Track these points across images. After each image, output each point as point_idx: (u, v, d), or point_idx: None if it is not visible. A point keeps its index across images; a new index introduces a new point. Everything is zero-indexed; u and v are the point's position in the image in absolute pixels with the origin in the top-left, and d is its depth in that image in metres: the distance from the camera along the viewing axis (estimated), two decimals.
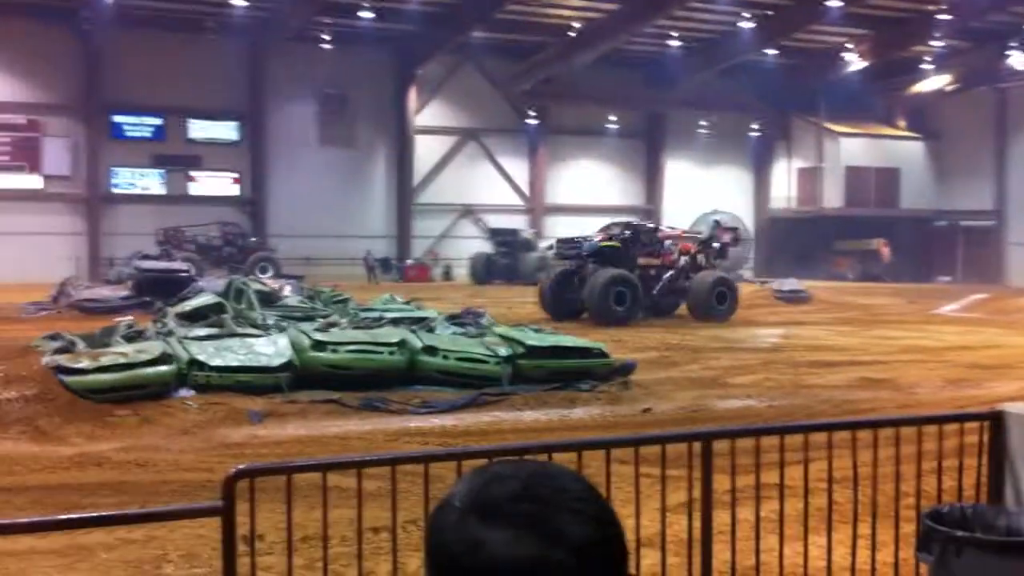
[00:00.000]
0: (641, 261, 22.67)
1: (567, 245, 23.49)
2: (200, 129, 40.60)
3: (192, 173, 40.45)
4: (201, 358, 11.07)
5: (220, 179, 40.99)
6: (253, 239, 37.98)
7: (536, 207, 46.33)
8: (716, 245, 24.23)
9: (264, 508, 3.98)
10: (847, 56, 41.55)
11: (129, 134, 39.47)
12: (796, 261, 42.29)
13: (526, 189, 46.61)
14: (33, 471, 8.12)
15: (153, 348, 11.26)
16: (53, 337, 13.01)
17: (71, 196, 38.29)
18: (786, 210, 47.98)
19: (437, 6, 38.25)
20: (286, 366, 11.31)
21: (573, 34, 40.12)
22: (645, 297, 21.77)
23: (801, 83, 44.18)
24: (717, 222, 27.24)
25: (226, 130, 41.09)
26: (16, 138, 37.75)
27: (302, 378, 11.35)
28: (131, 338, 12.53)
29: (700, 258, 23.61)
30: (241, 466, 3.94)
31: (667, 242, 23.56)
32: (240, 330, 12.71)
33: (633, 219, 27.70)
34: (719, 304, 22.19)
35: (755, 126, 48.39)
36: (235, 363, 11.14)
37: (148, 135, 39.78)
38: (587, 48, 40.21)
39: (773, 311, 26.04)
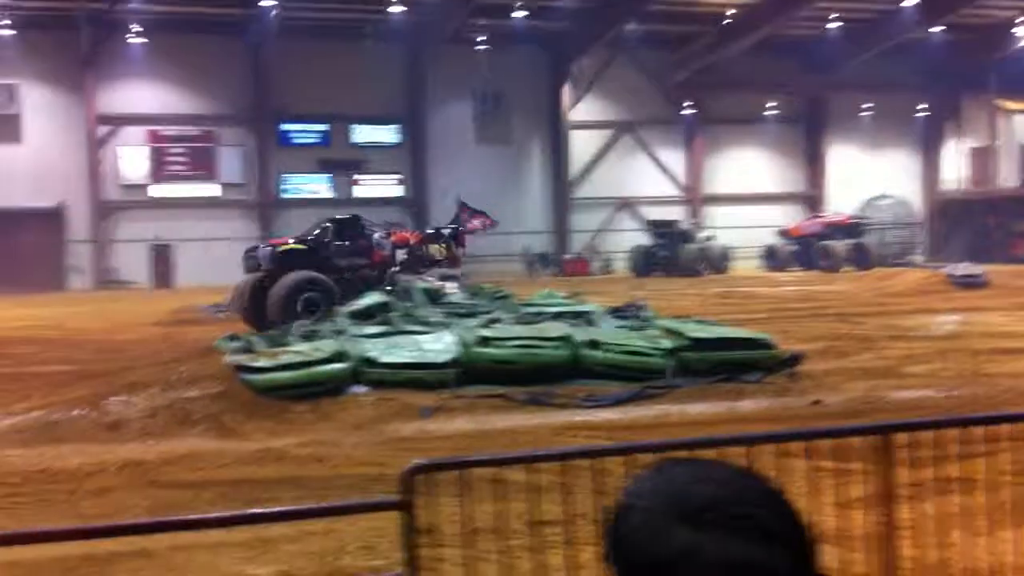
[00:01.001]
0: (342, 262, 19.94)
1: (247, 255, 20.56)
2: (363, 133, 41.87)
3: (357, 176, 41.71)
4: (372, 355, 11.42)
5: (384, 181, 42.12)
6: None
7: (694, 197, 45.79)
8: (455, 231, 21.35)
9: (438, 501, 4.08)
10: (1018, 31, 39.47)
11: (296, 141, 41.07)
12: (970, 244, 40.43)
13: (683, 180, 46.09)
14: (219, 466, 8.53)
15: (327, 347, 11.68)
16: (233, 338, 13.66)
17: (245, 202, 40.11)
18: (958, 192, 45.96)
19: (589, 1, 38.21)
20: (453, 362, 11.55)
21: (728, 21, 39.40)
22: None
23: (970, 60, 42.20)
24: (463, 203, 23.73)
25: (388, 133, 42.21)
26: (194, 149, 39.90)
27: (468, 373, 11.55)
28: (307, 337, 13.02)
29: (432, 250, 20.89)
30: (418, 461, 4.05)
31: (376, 236, 20.65)
32: (408, 328, 13.04)
33: (351, 214, 22.30)
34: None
35: (922, 107, 46.49)
36: (405, 360, 11.44)
37: (314, 141, 41.29)
38: (742, 35, 39.49)
39: (947, 297, 24.95)
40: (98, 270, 38.71)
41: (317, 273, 18.72)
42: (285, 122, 40.74)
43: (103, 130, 39.02)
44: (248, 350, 12.38)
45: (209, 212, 39.21)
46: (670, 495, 1.14)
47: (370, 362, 11.35)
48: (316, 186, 41.37)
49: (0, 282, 34.29)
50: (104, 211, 38.71)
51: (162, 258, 39.02)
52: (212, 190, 39.62)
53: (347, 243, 20.15)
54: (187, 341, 16.68)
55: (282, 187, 40.88)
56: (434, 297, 16.17)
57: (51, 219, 38.28)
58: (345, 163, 41.54)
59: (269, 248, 19.87)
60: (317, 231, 20.36)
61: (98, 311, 25.79)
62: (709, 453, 3.85)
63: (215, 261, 35.09)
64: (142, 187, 39.57)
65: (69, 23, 36.84)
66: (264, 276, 19.33)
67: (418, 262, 20.25)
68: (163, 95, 39.56)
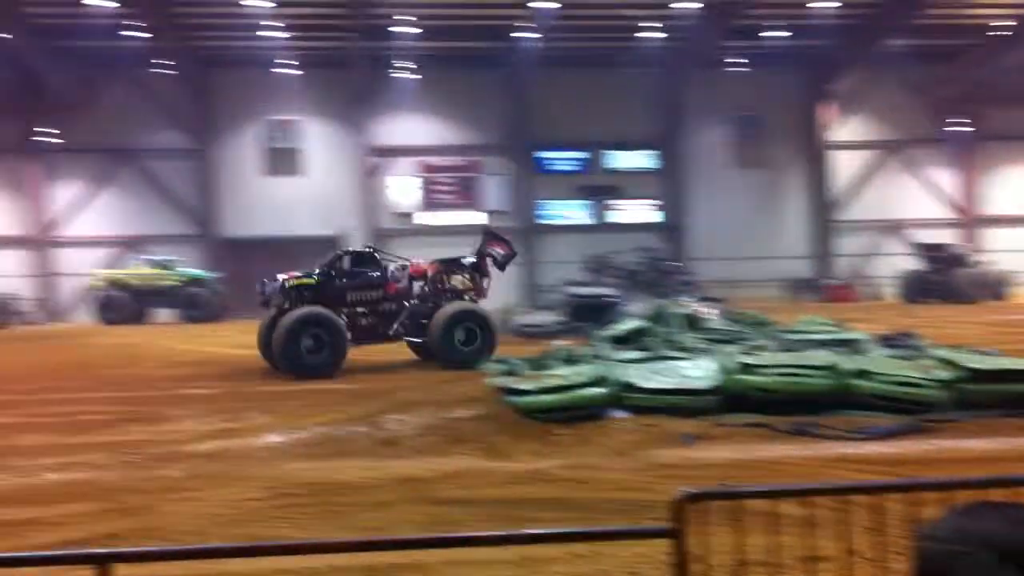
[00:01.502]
0: (354, 295, 18.66)
1: (259, 290, 19.43)
2: (619, 159, 42.26)
3: (611, 202, 42.16)
4: (634, 381, 11.48)
5: (640, 206, 42.33)
6: (673, 263, 38.68)
7: (968, 219, 43.09)
8: (486, 259, 19.91)
9: (707, 531, 4.07)
10: None
11: (554, 168, 41.99)
12: None
13: (955, 201, 43.51)
14: (487, 484, 8.82)
15: (588, 371, 11.85)
16: (500, 361, 14.10)
17: (509, 229, 41.30)
18: None
19: (849, 19, 36.94)
20: (714, 389, 11.42)
21: (1001, 32, 36.97)
22: (379, 336, 18.66)
23: None
24: (487, 230, 21.86)
25: (644, 159, 42.39)
26: (460, 178, 41.65)
27: (729, 401, 11.39)
28: (568, 361, 13.26)
29: (455, 280, 19.59)
30: (689, 489, 4.06)
31: (391, 268, 19.36)
32: (667, 353, 13.02)
33: (365, 245, 21.84)
34: (465, 345, 18.05)
35: None
36: (666, 386, 11.42)
37: (572, 168, 42.11)
38: (1019, 45, 36.88)
39: None
40: None
41: (324, 309, 17.74)
42: (543, 149, 41.80)
43: (376, 161, 41.42)
44: (511, 373, 12.75)
45: (473, 239, 40.61)
46: (993, 539, 1.12)
47: (630, 387, 11.41)
48: (573, 212, 42.13)
49: None
50: (378, 238, 41.00)
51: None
52: (477, 217, 41.18)
53: (360, 276, 18.98)
54: None
55: (540, 213, 41.89)
56: (694, 323, 16.06)
57: (330, 247, 40.85)
58: (601, 189, 42.09)
59: (279, 282, 18.77)
60: (328, 264, 19.24)
61: None
62: (999, 493, 3.65)
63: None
64: (410, 215, 41.67)
65: (345, 62, 39.35)
66: (277, 312, 18.53)
67: (440, 294, 19.24)
68: (430, 126, 41.59)
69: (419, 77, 40.07)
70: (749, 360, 11.98)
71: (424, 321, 18.63)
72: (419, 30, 36.97)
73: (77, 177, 40.38)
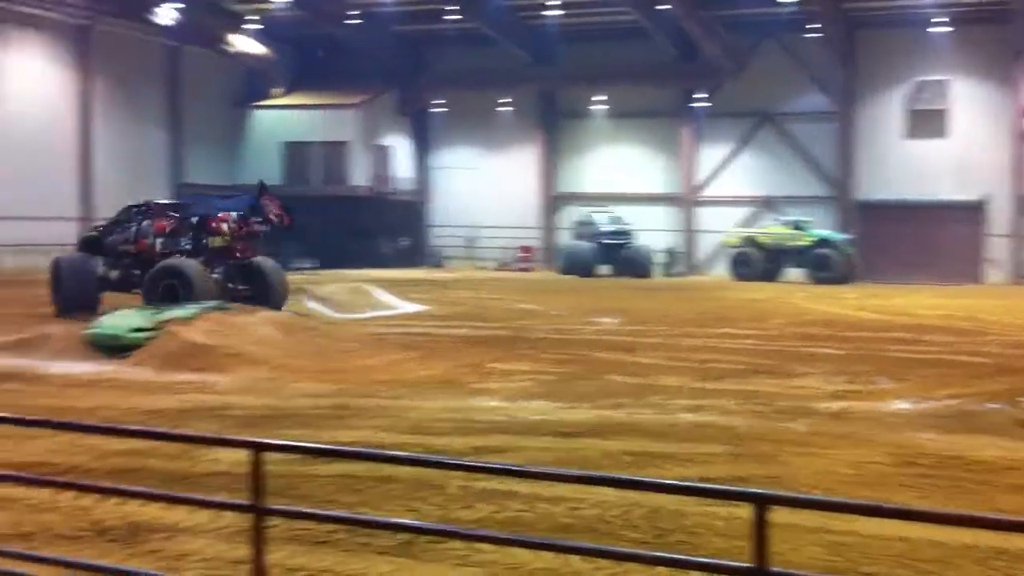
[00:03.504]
0: (119, 248, 19.48)
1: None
2: None
3: None
4: None
5: None
6: None
7: None
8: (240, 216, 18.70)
9: None
10: None
11: None
12: None
13: None
14: None
15: None
16: None
17: None
18: None
19: None
20: None
21: None
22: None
23: None
24: (263, 184, 19.69)
25: None
26: None
27: None
28: None
29: (214, 241, 18.61)
30: None
31: (145, 223, 19.29)
32: None
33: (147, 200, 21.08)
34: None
35: None
36: None
37: None
38: None
39: None
40: (1016, 264, 37.94)
41: (92, 259, 19.46)
42: None
43: None
44: None
45: None
46: None
47: None
48: None
49: (921, 272, 36.26)
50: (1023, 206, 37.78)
51: None
52: None
53: (128, 230, 19.57)
54: None
55: None
56: None
57: (972, 212, 38.60)
58: None
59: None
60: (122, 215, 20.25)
61: (1012, 306, 25.25)
62: None
63: None
64: None
65: (1001, 17, 36.52)
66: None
67: (196, 252, 18.63)
68: None
69: None
70: None
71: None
72: None
73: (722, 140, 42.46)
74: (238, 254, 18.86)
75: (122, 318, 15.02)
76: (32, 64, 34.69)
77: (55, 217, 33.37)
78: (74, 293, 18.92)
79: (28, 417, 5.75)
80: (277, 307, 18.05)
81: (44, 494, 6.73)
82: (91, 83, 36.40)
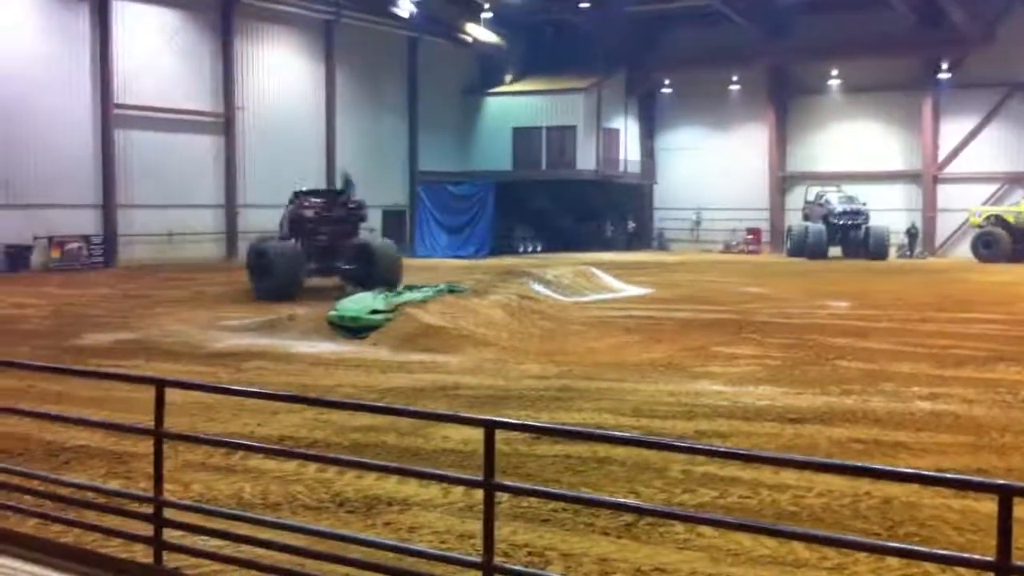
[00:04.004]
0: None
1: None
2: None
3: None
4: None
5: None
6: None
7: None
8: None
9: None
10: None
11: None
12: None
13: None
14: None
15: None
16: None
17: None
18: None
19: None
20: None
21: None
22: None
23: None
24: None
25: None
26: None
27: None
28: None
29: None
30: None
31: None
32: None
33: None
34: None
35: None
36: None
37: None
38: None
39: None
40: None
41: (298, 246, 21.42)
42: None
43: None
44: None
45: None
46: None
47: None
48: None
49: None
50: None
51: None
52: None
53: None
54: None
55: None
56: None
57: None
58: None
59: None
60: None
61: None
62: None
63: None
64: None
65: None
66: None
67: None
68: None
69: None
70: None
71: None
72: None
73: (966, 113, 39.98)
74: (322, 237, 21.47)
75: (361, 301, 15.85)
76: (285, 59, 36.82)
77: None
78: (284, 280, 20.40)
79: (278, 392, 6.19)
80: (387, 284, 18.93)
81: (290, 466, 7.24)
82: (335, 75, 38.29)
